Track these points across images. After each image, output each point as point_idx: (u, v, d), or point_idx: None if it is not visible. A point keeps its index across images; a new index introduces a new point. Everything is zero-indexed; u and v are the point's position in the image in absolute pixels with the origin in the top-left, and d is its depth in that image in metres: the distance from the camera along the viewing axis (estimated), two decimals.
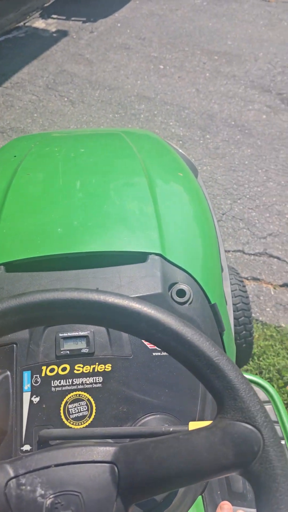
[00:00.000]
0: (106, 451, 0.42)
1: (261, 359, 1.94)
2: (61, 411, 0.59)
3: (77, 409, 0.60)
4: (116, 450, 0.42)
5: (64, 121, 3.28)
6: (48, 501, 0.39)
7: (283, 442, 1.25)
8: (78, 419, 0.59)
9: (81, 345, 0.63)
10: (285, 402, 1.81)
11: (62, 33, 4.43)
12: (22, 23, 4.66)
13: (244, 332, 1.67)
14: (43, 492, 0.39)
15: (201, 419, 0.62)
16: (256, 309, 2.15)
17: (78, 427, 0.59)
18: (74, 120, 3.28)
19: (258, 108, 3.39)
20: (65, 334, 0.63)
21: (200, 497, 1.18)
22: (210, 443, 0.38)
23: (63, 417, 0.59)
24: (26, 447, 0.58)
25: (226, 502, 0.91)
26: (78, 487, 0.40)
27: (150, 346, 0.64)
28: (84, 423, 0.59)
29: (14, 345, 0.62)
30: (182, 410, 0.61)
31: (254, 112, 3.36)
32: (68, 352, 0.62)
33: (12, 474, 0.40)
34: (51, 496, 0.39)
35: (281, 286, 2.25)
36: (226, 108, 3.39)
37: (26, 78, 3.76)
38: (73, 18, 4.72)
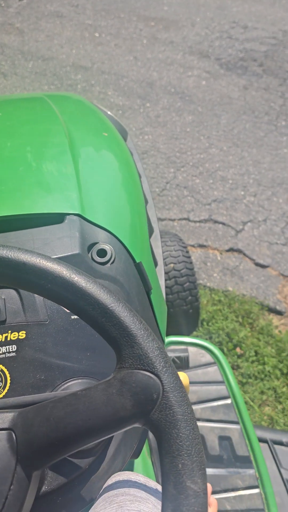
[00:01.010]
0: (3, 418, 0.39)
1: (210, 324, 1.96)
2: None
3: None
4: (15, 416, 0.39)
5: None
6: None
7: (228, 401, 1.26)
8: None
9: None
10: (235, 364, 1.84)
11: None
12: None
13: (190, 297, 1.67)
14: None
15: None
16: (203, 276, 2.16)
17: None
18: (7, 93, 3.11)
19: (198, 74, 3.35)
20: None
21: (150, 462, 1.18)
22: (107, 396, 0.35)
23: None
24: None
25: None
26: None
27: None
28: None
29: None
30: (106, 372, 0.58)
31: (193, 78, 3.31)
32: None
33: None
34: None
35: (227, 251, 2.27)
36: (165, 75, 3.32)
37: None
38: None
